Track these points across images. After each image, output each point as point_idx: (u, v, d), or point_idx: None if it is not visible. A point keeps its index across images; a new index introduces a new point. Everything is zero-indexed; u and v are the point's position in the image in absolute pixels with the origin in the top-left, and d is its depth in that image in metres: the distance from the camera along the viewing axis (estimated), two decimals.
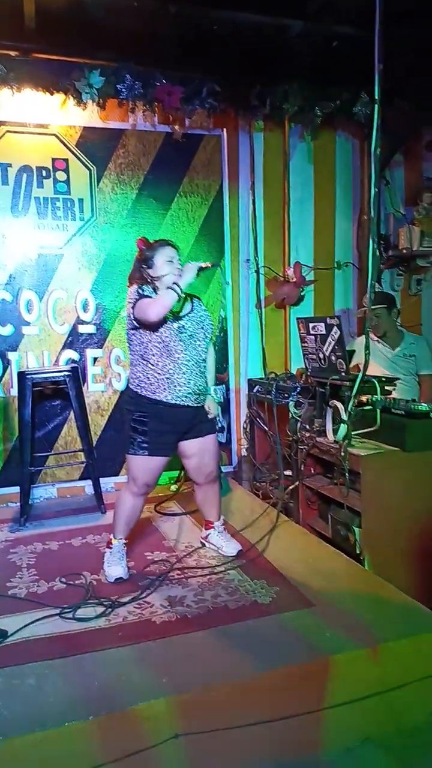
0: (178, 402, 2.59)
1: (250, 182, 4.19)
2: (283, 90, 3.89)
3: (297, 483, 3.28)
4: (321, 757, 1.85)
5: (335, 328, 3.03)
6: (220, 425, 4.17)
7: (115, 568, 2.61)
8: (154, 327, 2.52)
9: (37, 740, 1.63)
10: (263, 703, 1.84)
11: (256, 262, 4.26)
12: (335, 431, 2.90)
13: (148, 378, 2.57)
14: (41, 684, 1.85)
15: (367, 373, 2.69)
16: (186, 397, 2.60)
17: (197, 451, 2.71)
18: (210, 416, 2.75)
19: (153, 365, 2.56)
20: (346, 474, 2.74)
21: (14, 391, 3.70)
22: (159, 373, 2.55)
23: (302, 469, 3.25)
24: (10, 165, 3.69)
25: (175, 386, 2.57)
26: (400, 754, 1.83)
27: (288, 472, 3.39)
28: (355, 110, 3.99)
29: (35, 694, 1.81)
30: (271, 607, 2.29)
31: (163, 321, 2.52)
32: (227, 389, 4.28)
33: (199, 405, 2.68)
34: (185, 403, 2.61)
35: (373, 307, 3.58)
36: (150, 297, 2.53)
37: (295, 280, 4.21)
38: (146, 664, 1.94)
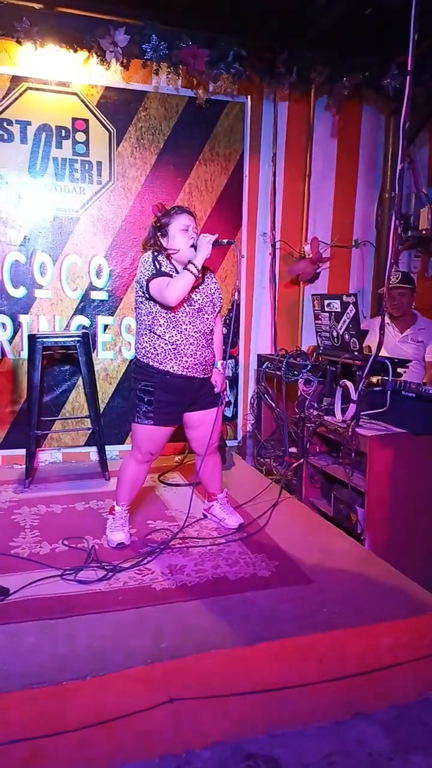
0: (184, 373, 2.57)
1: (272, 153, 4.11)
2: (311, 58, 3.78)
3: (301, 460, 3.29)
4: (311, 729, 1.88)
5: (351, 306, 2.99)
6: (227, 399, 4.16)
7: (117, 533, 2.63)
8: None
9: (34, 696, 1.66)
10: (257, 673, 1.87)
11: (273, 236, 4.19)
12: (344, 411, 2.89)
13: (155, 348, 2.55)
14: (40, 642, 1.88)
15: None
16: (193, 368, 2.58)
17: (201, 423, 2.71)
18: (216, 390, 2.73)
19: (159, 336, 2.53)
20: (352, 454, 2.74)
21: (24, 354, 3.70)
22: (166, 344, 2.54)
23: (307, 447, 3.25)
24: (29, 123, 3.62)
25: (182, 357, 2.55)
26: (391, 729, 1.86)
27: (293, 450, 3.39)
28: (384, 83, 3.87)
29: (34, 651, 1.83)
30: (270, 580, 2.31)
31: (181, 302, 2.48)
32: (236, 364, 4.26)
33: (205, 377, 2.67)
34: (192, 374, 2.59)
35: (404, 285, 3.54)
36: (167, 274, 2.48)
37: (311, 256, 4.14)
38: (145, 628, 1.97)
